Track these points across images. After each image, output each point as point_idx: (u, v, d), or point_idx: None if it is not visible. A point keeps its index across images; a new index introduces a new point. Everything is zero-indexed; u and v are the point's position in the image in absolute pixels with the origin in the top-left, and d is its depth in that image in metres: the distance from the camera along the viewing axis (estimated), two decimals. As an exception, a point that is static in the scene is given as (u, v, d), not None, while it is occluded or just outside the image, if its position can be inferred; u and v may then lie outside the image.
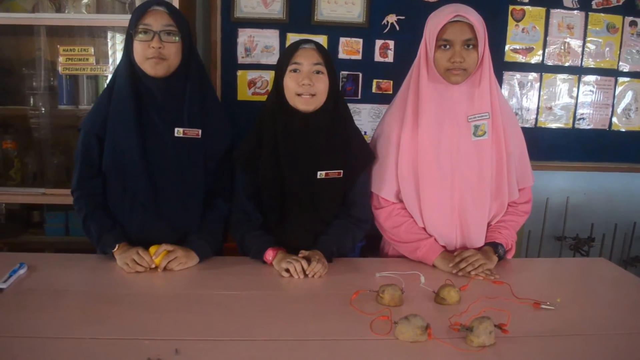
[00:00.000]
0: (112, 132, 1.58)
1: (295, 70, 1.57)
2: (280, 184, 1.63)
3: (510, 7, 2.79)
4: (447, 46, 1.55)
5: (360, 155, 1.69)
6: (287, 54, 1.59)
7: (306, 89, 1.55)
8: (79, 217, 1.64)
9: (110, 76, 2.43)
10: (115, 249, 1.57)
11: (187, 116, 1.60)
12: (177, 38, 1.55)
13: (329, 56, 1.60)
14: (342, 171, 1.64)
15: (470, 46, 1.55)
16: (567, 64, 2.88)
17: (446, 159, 1.62)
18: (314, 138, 1.62)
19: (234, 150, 1.71)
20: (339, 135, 1.65)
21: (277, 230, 1.66)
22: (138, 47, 1.53)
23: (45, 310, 1.25)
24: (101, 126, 1.59)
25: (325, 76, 1.58)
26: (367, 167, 1.71)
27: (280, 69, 1.61)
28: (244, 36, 2.69)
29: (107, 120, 1.58)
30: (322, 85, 1.57)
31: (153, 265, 1.52)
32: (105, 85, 1.67)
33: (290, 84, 1.57)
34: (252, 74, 2.72)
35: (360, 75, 2.78)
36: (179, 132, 1.60)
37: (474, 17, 1.54)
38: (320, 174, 1.62)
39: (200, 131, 1.62)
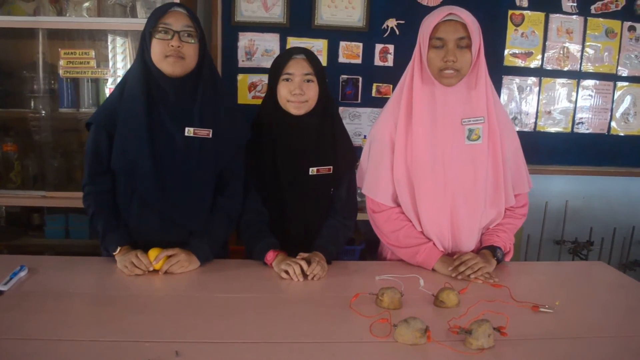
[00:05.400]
0: (122, 130, 1.58)
1: (287, 80, 1.67)
2: (277, 180, 1.72)
3: (510, 12, 2.81)
4: (441, 46, 1.55)
5: (344, 156, 1.79)
6: (280, 64, 1.69)
7: (297, 98, 1.66)
8: (87, 213, 1.65)
9: (114, 78, 2.46)
10: (116, 252, 1.57)
11: (198, 116, 1.60)
12: (195, 40, 1.57)
13: (319, 64, 1.71)
14: (331, 167, 1.76)
15: (464, 46, 1.55)
16: (566, 69, 2.90)
17: (439, 161, 1.61)
18: (306, 137, 1.73)
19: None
20: (328, 135, 1.76)
21: (276, 225, 1.73)
22: (156, 46, 1.54)
23: (46, 312, 1.25)
24: (111, 122, 1.59)
25: (315, 84, 1.69)
26: (350, 167, 1.80)
27: (273, 76, 1.71)
28: (245, 40, 2.71)
29: (116, 118, 1.59)
30: (312, 92, 1.68)
31: (151, 268, 1.52)
32: (117, 84, 1.68)
33: (283, 91, 1.68)
34: (252, 78, 2.74)
35: (360, 79, 2.79)
36: (189, 131, 1.60)
37: (468, 17, 1.54)
38: (312, 170, 1.73)
39: (210, 131, 1.62)
